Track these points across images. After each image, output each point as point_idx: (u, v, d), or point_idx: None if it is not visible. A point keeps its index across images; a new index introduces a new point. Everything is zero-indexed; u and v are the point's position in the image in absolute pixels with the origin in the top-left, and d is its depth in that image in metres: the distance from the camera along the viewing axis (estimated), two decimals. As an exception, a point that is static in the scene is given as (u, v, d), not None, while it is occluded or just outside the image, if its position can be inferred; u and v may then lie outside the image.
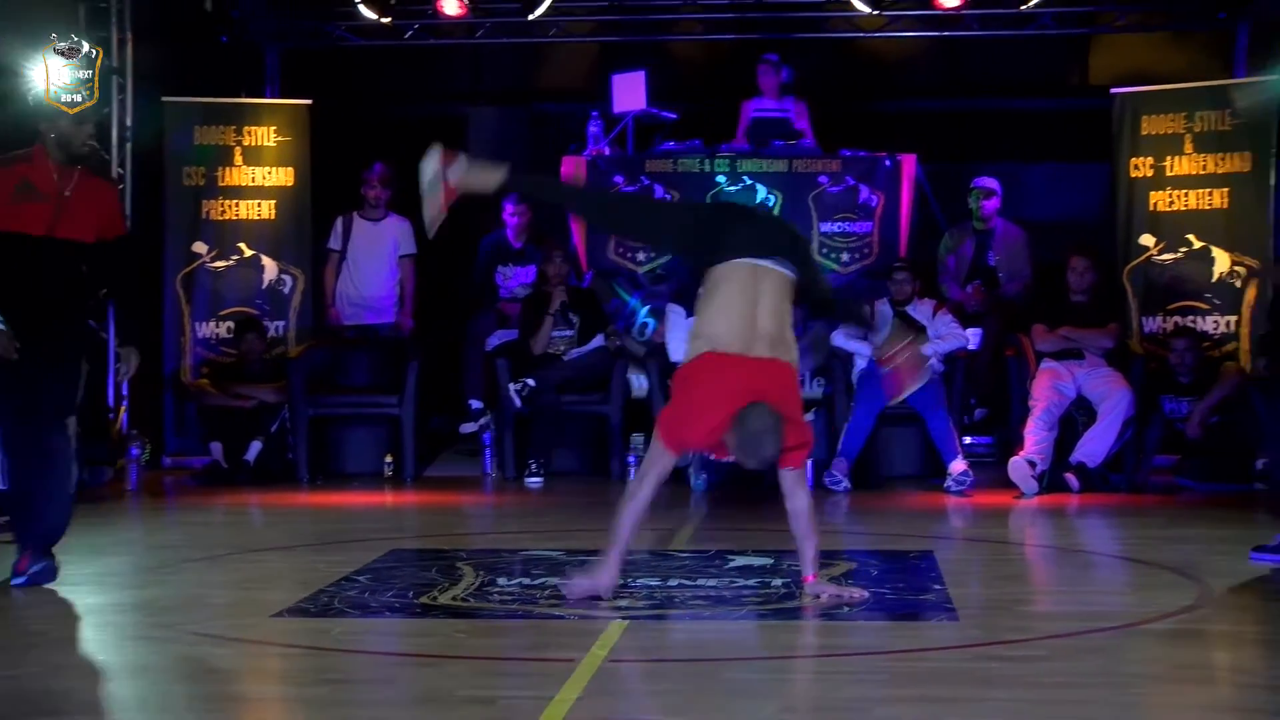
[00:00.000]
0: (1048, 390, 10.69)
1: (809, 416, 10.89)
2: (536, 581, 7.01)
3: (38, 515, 6.91)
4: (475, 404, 12.12)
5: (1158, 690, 5.05)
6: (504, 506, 10.26)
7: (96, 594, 6.80)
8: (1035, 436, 10.50)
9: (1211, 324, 11.74)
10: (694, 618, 6.25)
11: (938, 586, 6.88)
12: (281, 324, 12.38)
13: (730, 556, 7.67)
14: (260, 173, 12.46)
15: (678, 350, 11.10)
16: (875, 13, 12.65)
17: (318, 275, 12.39)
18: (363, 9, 12.72)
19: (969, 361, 11.29)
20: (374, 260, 12.34)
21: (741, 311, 6.33)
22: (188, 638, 5.88)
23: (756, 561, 7.55)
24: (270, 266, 12.42)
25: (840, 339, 11.19)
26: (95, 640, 6.03)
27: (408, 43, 13.74)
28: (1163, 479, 10.84)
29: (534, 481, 11.04)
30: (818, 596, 6.49)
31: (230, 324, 12.18)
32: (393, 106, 14.77)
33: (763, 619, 6.26)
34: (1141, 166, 12.08)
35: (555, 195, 8.53)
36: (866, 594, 6.56)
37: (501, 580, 7.08)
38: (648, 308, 12.01)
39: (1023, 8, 12.61)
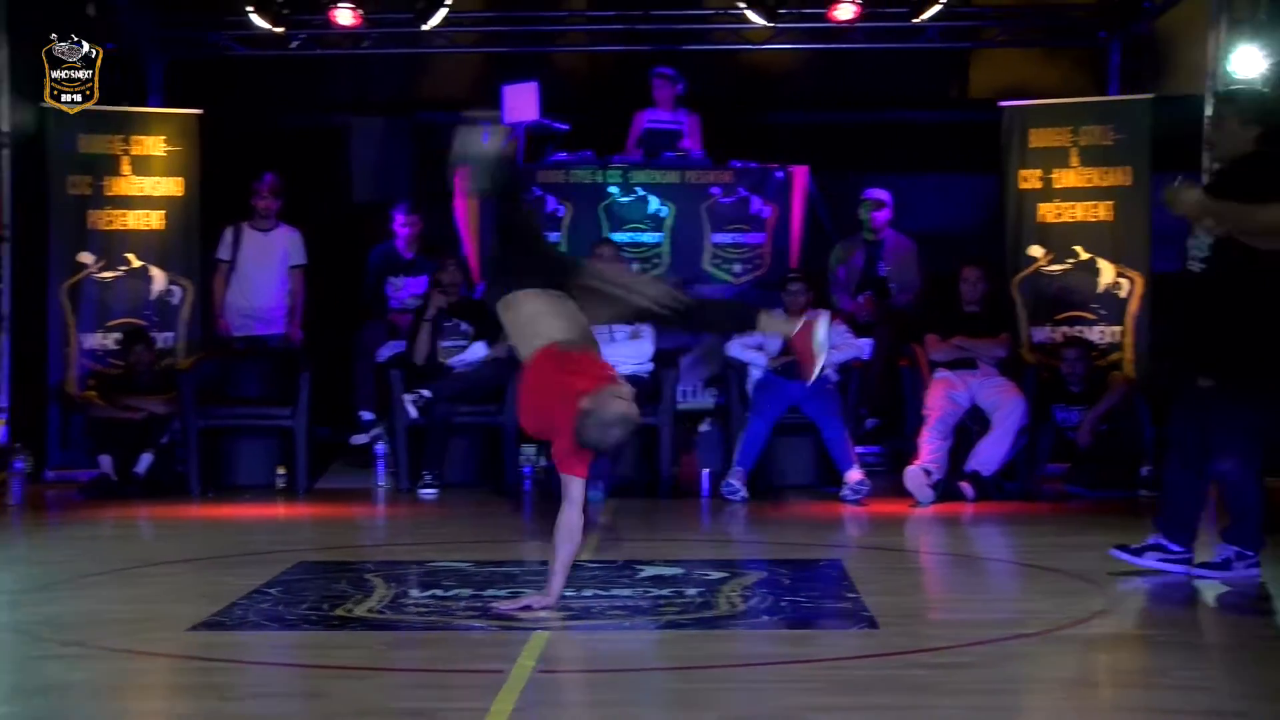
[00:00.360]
0: (942, 400, 10.80)
1: (704, 426, 11.00)
2: (450, 593, 6.98)
3: None
4: (366, 415, 12.06)
5: (1092, 694, 5.13)
6: (402, 518, 10.19)
7: (-8, 613, 6.66)
8: (930, 445, 10.60)
9: (1098, 334, 11.93)
10: (615, 628, 6.25)
11: (851, 595, 6.91)
12: (170, 335, 12.22)
13: (639, 566, 7.67)
14: (149, 183, 12.27)
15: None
16: (768, 25, 12.65)
17: (207, 286, 12.24)
18: (255, 18, 12.57)
19: (862, 371, 11.36)
20: (264, 271, 12.23)
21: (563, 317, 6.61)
22: (102, 654, 5.78)
23: (667, 571, 7.56)
24: (159, 277, 12.25)
25: (736, 349, 11.24)
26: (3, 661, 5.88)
27: (294, 53, 13.62)
28: (1053, 487, 10.98)
29: (428, 493, 10.98)
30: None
31: (117, 335, 11.99)
32: (276, 116, 14.65)
33: (683, 628, 6.26)
34: (1030, 178, 12.25)
35: None
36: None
37: (414, 592, 7.06)
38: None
39: (915, 21, 12.68)
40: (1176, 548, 7.36)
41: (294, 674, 5.48)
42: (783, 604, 6.72)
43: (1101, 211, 12.07)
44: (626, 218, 12.41)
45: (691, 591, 7.02)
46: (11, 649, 6.00)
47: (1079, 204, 12.11)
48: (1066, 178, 12.15)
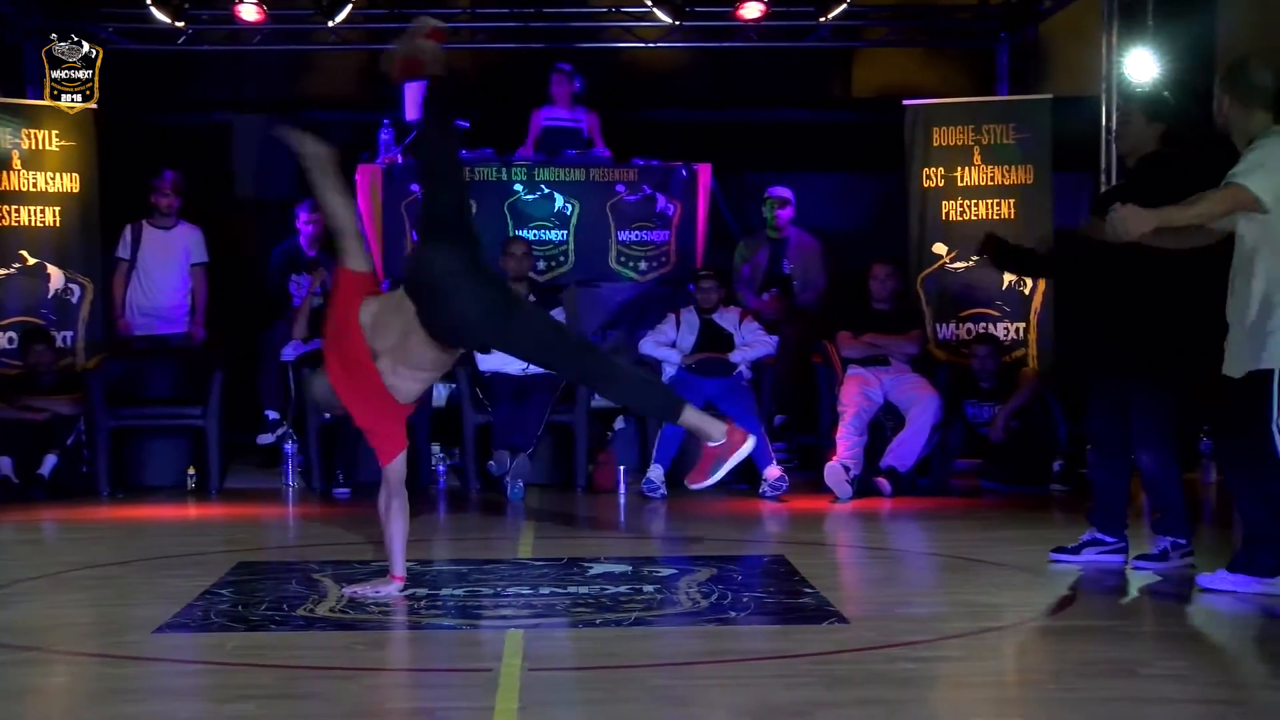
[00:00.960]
0: (856, 396, 10.87)
1: (619, 424, 11.00)
2: (405, 592, 6.90)
3: None
4: (272, 415, 11.92)
5: (1081, 685, 5.16)
6: (327, 518, 10.03)
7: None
8: (847, 441, 10.67)
9: (1002, 330, 12.08)
10: (585, 624, 6.22)
11: (808, 589, 6.94)
12: (69, 334, 11.98)
13: (586, 564, 7.64)
14: (43, 178, 12.00)
15: (487, 359, 11.07)
16: (674, 23, 12.69)
17: (106, 284, 12.02)
18: (155, 11, 12.36)
19: (773, 368, 11.42)
20: (165, 269, 12.04)
21: None
22: (72, 660, 5.66)
23: (616, 568, 7.55)
24: (56, 275, 11.99)
25: (649, 346, 11.25)
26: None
27: (182, 48, 13.42)
28: (964, 482, 11.11)
29: (341, 492, 10.88)
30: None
31: (13, 334, 11.73)
32: (161, 113, 14.44)
33: (655, 625, 6.24)
34: (933, 177, 12.38)
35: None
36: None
37: (369, 593, 6.95)
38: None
39: (821, 20, 12.78)
40: (1111, 539, 7.51)
41: (280, 675, 5.37)
42: (744, 599, 6.73)
43: (1004, 209, 12.23)
44: (532, 215, 12.37)
45: (649, 588, 7.02)
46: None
47: (982, 202, 12.27)
48: (969, 176, 12.30)
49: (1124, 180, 7.58)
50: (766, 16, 12.85)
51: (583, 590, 6.95)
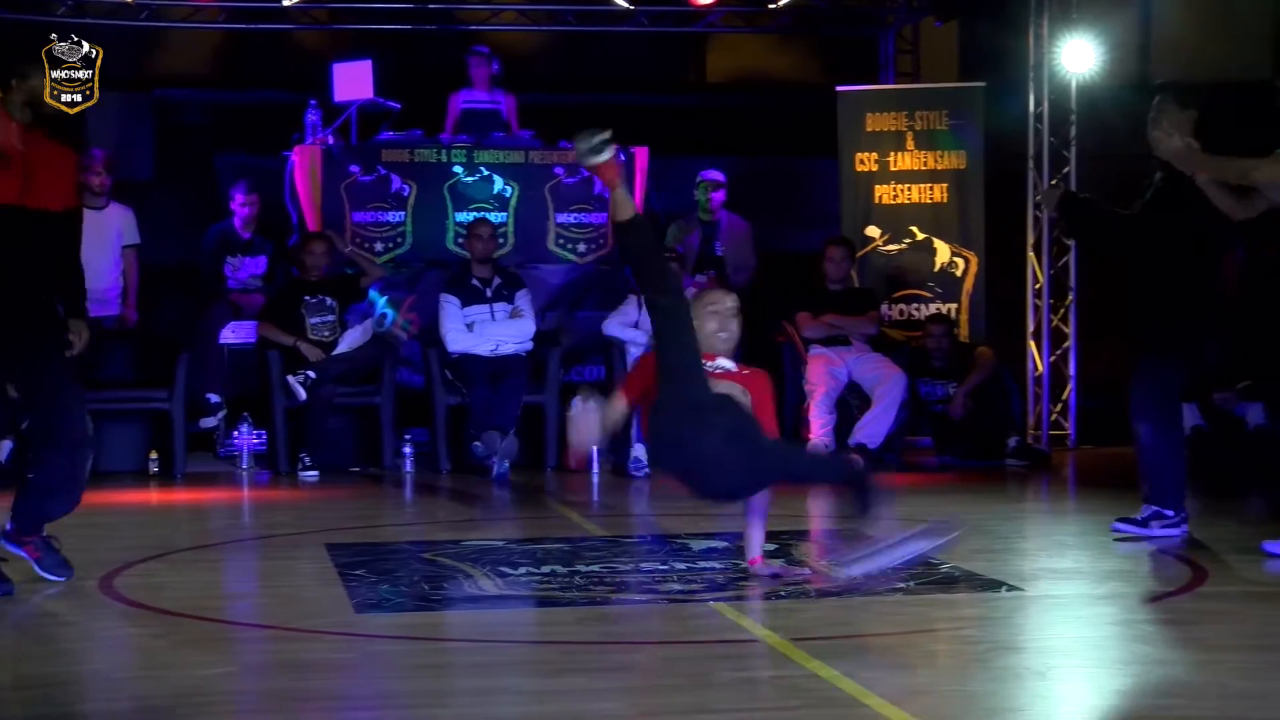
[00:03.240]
0: (824, 375, 11.11)
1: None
2: (543, 569, 6.91)
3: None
4: (213, 398, 11.69)
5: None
6: (330, 499, 9.86)
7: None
8: (820, 420, 10.91)
9: (934, 311, 12.42)
10: (777, 597, 6.27)
11: (934, 560, 7.08)
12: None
13: (680, 540, 7.69)
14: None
15: (456, 341, 11.04)
16: (629, 8, 12.78)
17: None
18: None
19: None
20: (97, 251, 11.54)
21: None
22: (335, 639, 5.58)
23: (718, 544, 7.60)
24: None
25: (614, 328, 11.33)
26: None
27: (59, 19, 12.96)
28: (926, 458, 11.45)
29: (309, 475, 10.74)
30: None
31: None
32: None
33: (842, 596, 6.30)
34: (867, 161, 12.68)
35: None
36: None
37: (505, 569, 6.94)
38: (385, 298, 11.78)
39: (770, 6, 13.00)
40: (1169, 512, 7.73)
41: (569, 650, 5.37)
42: (887, 570, 6.84)
43: (937, 193, 12.59)
44: (471, 197, 12.31)
45: (775, 562, 7.10)
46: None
47: (915, 186, 12.60)
48: (903, 161, 12.63)
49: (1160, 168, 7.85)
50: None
51: (716, 565, 6.99)
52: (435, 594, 6.39)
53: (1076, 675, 5.01)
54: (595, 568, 6.99)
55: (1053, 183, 8.09)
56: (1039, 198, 7.48)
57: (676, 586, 6.51)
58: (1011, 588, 6.42)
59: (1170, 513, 7.68)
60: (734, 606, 6.03)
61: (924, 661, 5.26)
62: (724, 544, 7.60)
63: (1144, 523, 7.71)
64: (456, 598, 6.32)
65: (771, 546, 6.99)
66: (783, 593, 6.32)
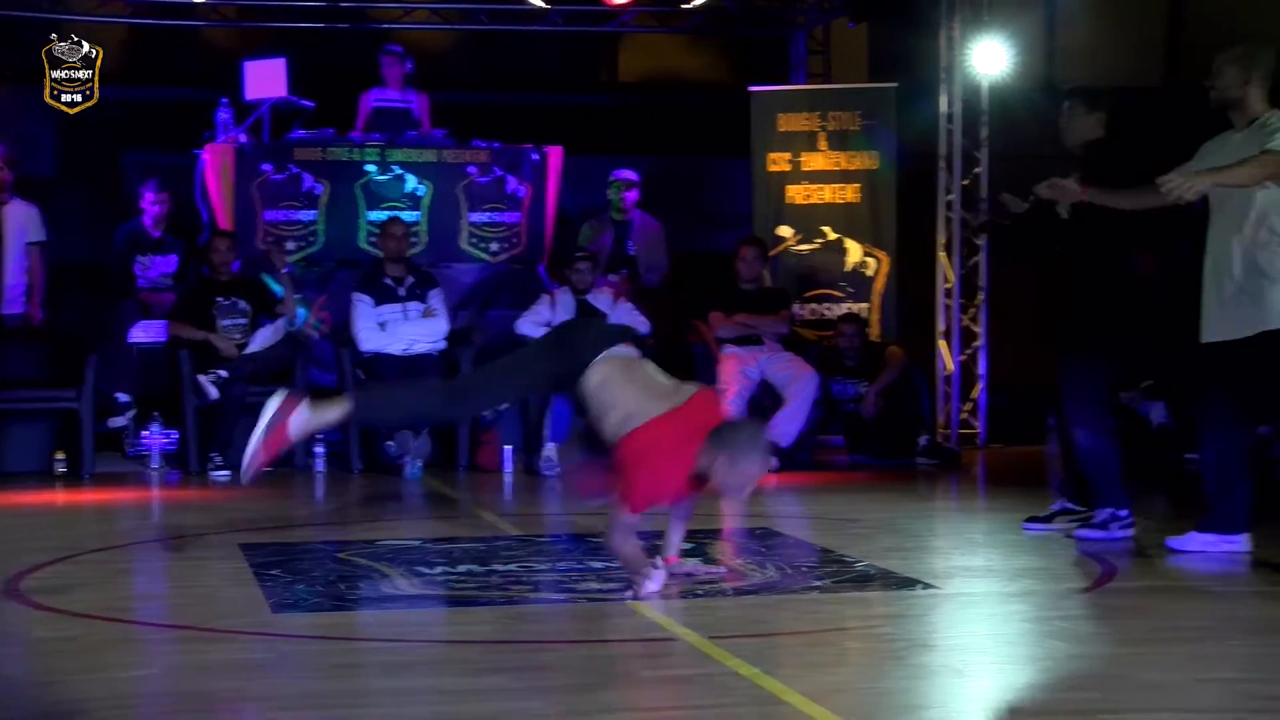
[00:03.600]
0: (736, 375, 11.16)
1: (502, 405, 11.03)
2: (459, 569, 6.90)
3: None
4: (122, 397, 11.61)
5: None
6: (242, 499, 9.77)
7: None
8: (735, 419, 10.92)
9: (845, 311, 12.50)
10: (694, 596, 6.28)
11: (848, 557, 7.17)
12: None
13: (592, 539, 7.69)
14: None
15: (368, 340, 11.01)
16: (544, 6, 12.79)
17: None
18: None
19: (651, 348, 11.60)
20: (2, 248, 11.56)
21: (639, 384, 6.32)
22: (251, 639, 5.52)
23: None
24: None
25: (526, 327, 11.32)
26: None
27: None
28: (838, 457, 11.53)
29: (220, 474, 10.66)
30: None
31: None
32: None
33: (761, 594, 6.33)
34: (779, 161, 12.75)
35: (402, 409, 7.27)
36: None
37: (421, 569, 6.92)
38: (298, 297, 11.72)
39: (684, 6, 13.04)
40: (1123, 512, 7.81)
41: (489, 649, 5.37)
42: (800, 567, 6.93)
43: (849, 194, 12.67)
44: (384, 196, 12.28)
45: (691, 561, 7.13)
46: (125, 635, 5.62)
47: (827, 186, 12.68)
48: (815, 161, 12.70)
49: (1078, 166, 7.94)
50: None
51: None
52: (351, 594, 6.37)
53: (991, 671, 5.06)
54: (512, 567, 6.99)
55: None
56: (1045, 187, 7.44)
57: (594, 585, 6.52)
58: (926, 585, 6.47)
59: (1124, 512, 7.73)
60: (654, 607, 6.03)
61: (841, 659, 5.29)
62: (640, 543, 7.58)
63: (1103, 525, 7.71)
64: (373, 597, 6.30)
65: (689, 545, 6.99)
66: (699, 591, 6.34)
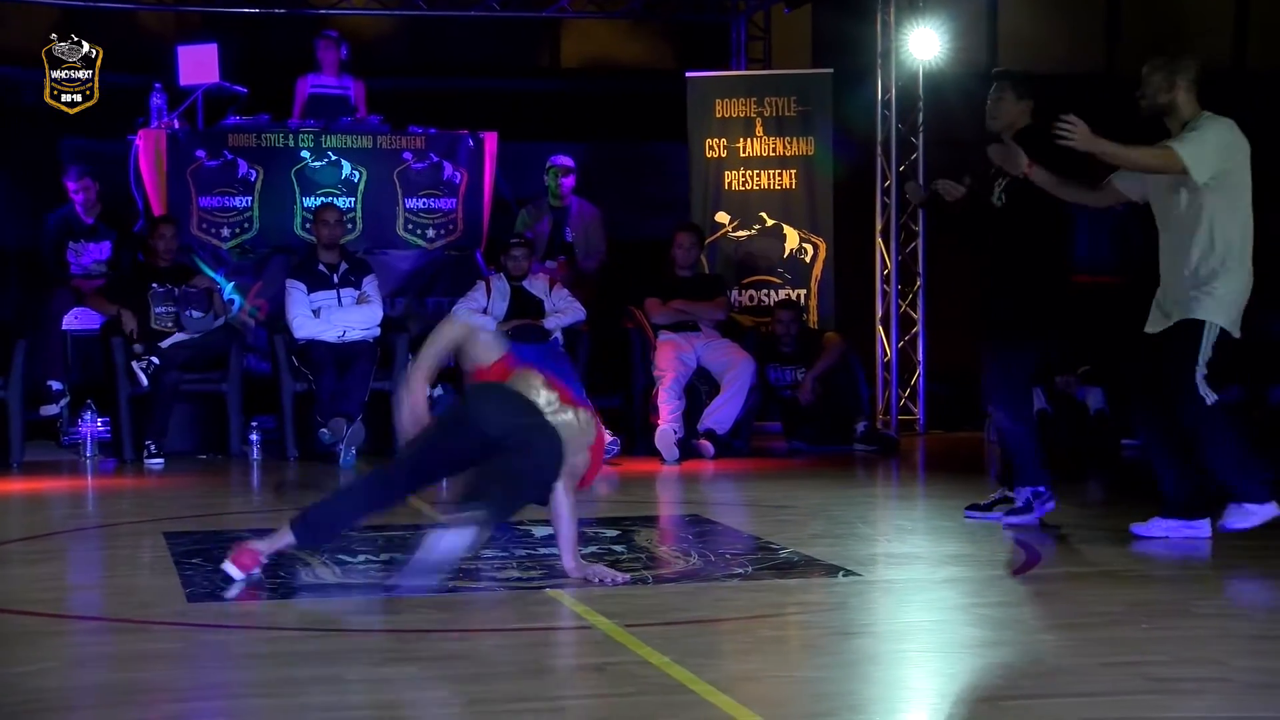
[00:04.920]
0: (673, 361, 11.13)
1: (438, 391, 10.97)
2: (383, 557, 6.87)
3: None
4: (55, 385, 11.53)
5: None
6: (174, 487, 9.73)
7: None
8: (669, 406, 10.93)
9: (783, 297, 12.49)
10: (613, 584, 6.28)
11: (775, 544, 7.16)
12: None
13: (522, 528, 7.68)
14: None
15: (302, 327, 10.95)
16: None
17: None
18: None
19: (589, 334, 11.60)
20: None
21: None
22: (166, 629, 5.46)
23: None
24: None
25: (462, 315, 11.23)
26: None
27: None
28: (775, 444, 11.52)
29: (155, 463, 10.59)
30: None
31: None
32: None
33: (677, 582, 6.31)
34: (716, 147, 12.72)
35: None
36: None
37: (344, 557, 6.88)
38: (233, 284, 11.67)
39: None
40: (1042, 489, 7.84)
41: (400, 639, 5.34)
42: (724, 555, 6.91)
43: (786, 180, 12.66)
44: (319, 183, 12.20)
45: (618, 549, 7.12)
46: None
47: (764, 172, 12.66)
48: (752, 147, 12.68)
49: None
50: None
51: (556, 552, 6.91)
52: (271, 582, 6.32)
53: (903, 659, 5.06)
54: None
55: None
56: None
57: (516, 574, 6.50)
58: (849, 573, 6.47)
59: (1043, 488, 7.75)
60: (572, 594, 6.01)
61: (756, 648, 5.28)
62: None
63: (1027, 508, 7.73)
64: (293, 586, 6.26)
65: (614, 531, 6.97)
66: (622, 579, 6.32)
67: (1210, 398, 7.02)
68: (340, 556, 6.82)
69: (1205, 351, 7.07)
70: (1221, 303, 7.07)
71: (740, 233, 12.66)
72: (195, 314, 10.94)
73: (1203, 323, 7.07)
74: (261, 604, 5.95)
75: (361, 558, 6.87)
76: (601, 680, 4.75)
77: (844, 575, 6.44)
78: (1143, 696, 4.50)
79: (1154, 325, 7.27)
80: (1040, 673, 4.79)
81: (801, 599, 6.06)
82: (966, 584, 6.33)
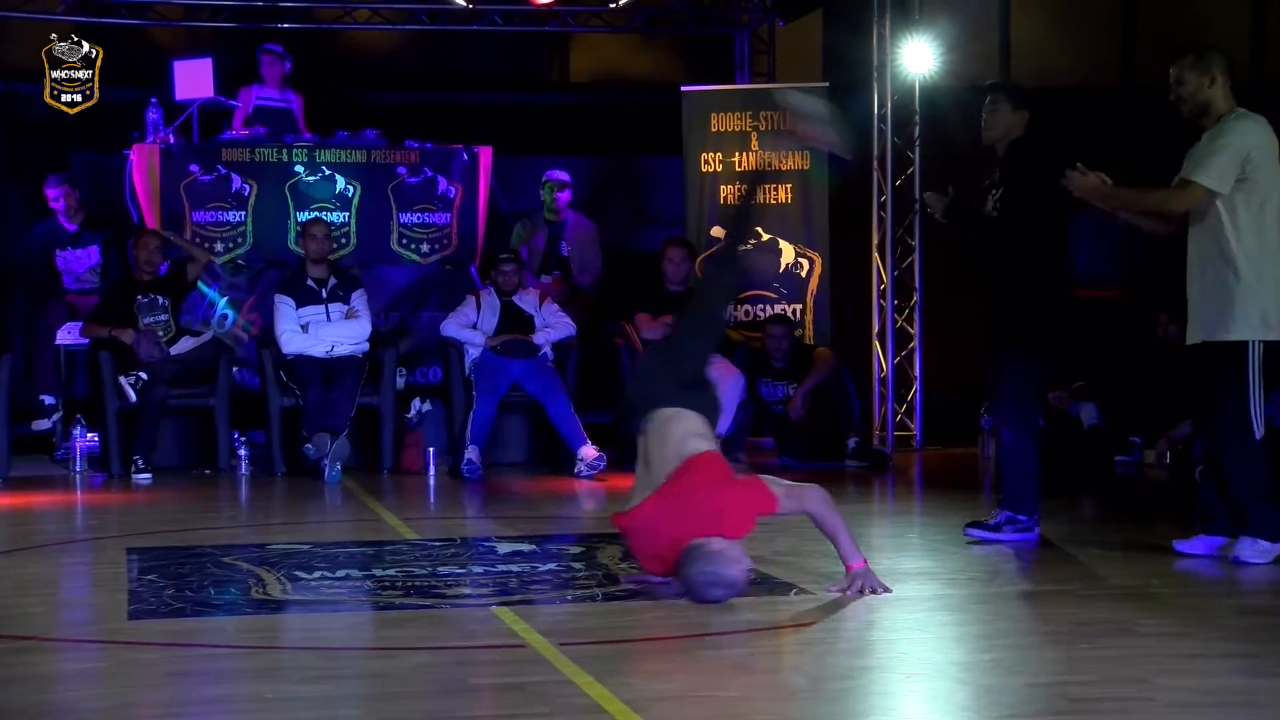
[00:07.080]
0: (662, 376, 11.05)
1: (425, 406, 10.97)
2: (339, 574, 6.85)
3: None
4: (48, 399, 11.58)
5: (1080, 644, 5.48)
6: (158, 502, 9.73)
7: None
8: (658, 421, 10.84)
9: (779, 311, 12.42)
10: (561, 602, 6.25)
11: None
12: None
13: (488, 543, 7.66)
14: None
15: (290, 342, 10.93)
16: (469, 6, 12.74)
17: None
18: None
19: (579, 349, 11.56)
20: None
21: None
22: (94, 646, 5.45)
23: (524, 547, 7.58)
24: None
25: (451, 329, 11.27)
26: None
27: None
28: (767, 459, 11.46)
29: (142, 478, 10.59)
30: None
31: None
32: None
33: (635, 599, 6.28)
34: (711, 161, 12.67)
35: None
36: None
37: (300, 574, 6.86)
38: (226, 299, 11.67)
39: (612, 6, 12.98)
40: (1022, 518, 7.74)
41: (326, 656, 5.30)
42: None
43: (782, 194, 12.60)
44: (313, 197, 12.22)
45: (577, 566, 7.08)
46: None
47: (760, 186, 12.56)
48: (747, 160, 12.63)
49: (997, 165, 7.89)
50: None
51: (514, 569, 6.94)
52: (217, 599, 6.31)
53: (832, 680, 4.97)
54: (392, 572, 6.94)
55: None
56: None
57: (466, 590, 6.48)
58: (801, 590, 6.40)
59: (1024, 518, 7.66)
60: (516, 611, 5.97)
61: (686, 668, 5.20)
62: (529, 547, 7.57)
63: (997, 528, 7.67)
64: (236, 603, 6.24)
65: (578, 549, 6.93)
66: (569, 596, 6.29)
67: (1259, 431, 6.92)
68: (296, 573, 6.80)
69: (1254, 375, 6.97)
70: (1254, 313, 6.96)
71: (736, 247, 12.57)
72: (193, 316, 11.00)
73: (1244, 344, 6.97)
74: (204, 620, 5.92)
75: (317, 574, 6.84)
76: (518, 700, 4.70)
77: (795, 594, 6.38)
78: (1060, 718, 4.43)
79: (1193, 337, 7.18)
80: (965, 693, 4.73)
81: (746, 617, 5.97)
82: (916, 602, 6.24)
